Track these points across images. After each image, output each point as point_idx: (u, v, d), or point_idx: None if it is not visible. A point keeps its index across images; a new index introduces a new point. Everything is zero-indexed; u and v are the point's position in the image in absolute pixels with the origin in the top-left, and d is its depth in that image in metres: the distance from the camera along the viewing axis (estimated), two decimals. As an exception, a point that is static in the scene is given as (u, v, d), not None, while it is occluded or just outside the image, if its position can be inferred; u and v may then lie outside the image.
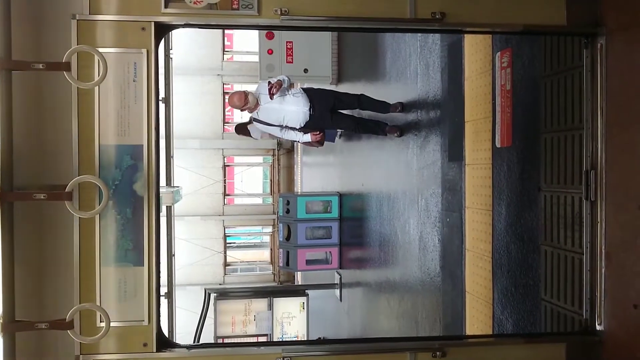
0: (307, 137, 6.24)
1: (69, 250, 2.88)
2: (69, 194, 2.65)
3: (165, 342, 3.03)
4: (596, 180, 3.26)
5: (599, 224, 3.25)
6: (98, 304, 2.86)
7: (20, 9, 2.74)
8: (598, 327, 3.23)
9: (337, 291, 10.89)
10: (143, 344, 2.96)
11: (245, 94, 5.93)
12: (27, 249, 2.82)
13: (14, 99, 2.72)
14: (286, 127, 6.13)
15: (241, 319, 10.76)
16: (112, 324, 2.76)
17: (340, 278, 10.78)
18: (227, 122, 18.56)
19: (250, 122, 6.72)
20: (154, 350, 2.96)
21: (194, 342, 9.01)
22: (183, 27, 3.10)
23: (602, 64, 3.22)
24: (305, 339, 10.45)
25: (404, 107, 6.71)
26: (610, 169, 3.21)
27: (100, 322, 2.85)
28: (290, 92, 6.06)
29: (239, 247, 19.89)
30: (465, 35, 5.09)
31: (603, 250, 3.22)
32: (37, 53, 2.80)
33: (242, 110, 6.11)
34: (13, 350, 2.67)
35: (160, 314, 3.05)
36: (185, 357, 3.02)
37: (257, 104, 5.98)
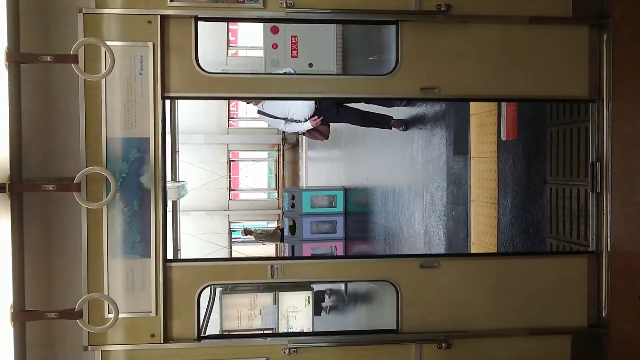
0: (308, 125, 6.27)
1: (77, 242, 2.91)
2: (77, 185, 2.68)
3: (172, 334, 3.07)
4: (602, 172, 3.26)
5: (604, 216, 3.25)
6: (106, 295, 2.90)
7: (28, 3, 2.76)
8: (603, 319, 3.24)
9: (343, 285, 10.90)
10: (150, 334, 3.00)
11: (251, 86, 5.95)
12: (37, 240, 2.85)
13: (23, 92, 2.74)
14: (290, 119, 6.16)
15: (247, 313, 10.79)
16: (120, 315, 2.79)
17: (346, 272, 10.78)
18: (232, 117, 18.56)
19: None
20: (162, 341, 3.00)
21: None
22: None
23: (608, 55, 3.21)
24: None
25: (409, 100, 6.70)
26: (616, 160, 3.20)
27: (109, 313, 2.88)
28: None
29: (244, 242, 19.94)
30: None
31: (609, 242, 3.23)
32: (44, 46, 2.82)
33: (247, 103, 6.13)
34: (23, 340, 2.71)
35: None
36: (192, 349, 3.05)
37: (262, 97, 5.99)
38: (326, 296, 11.21)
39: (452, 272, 3.23)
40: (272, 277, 3.11)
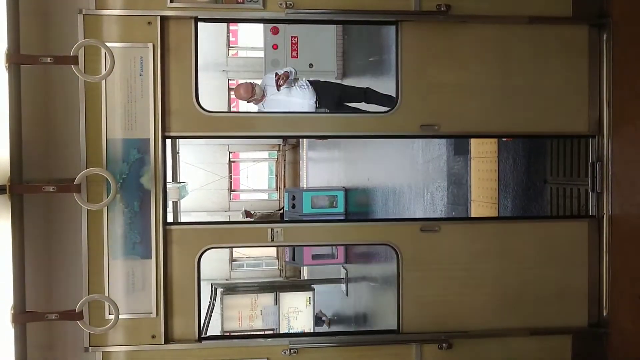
0: None
1: (78, 243, 2.91)
2: (77, 186, 2.68)
3: (173, 334, 3.07)
4: (602, 172, 3.26)
5: (605, 216, 3.25)
6: (107, 296, 2.90)
7: (28, 4, 2.77)
8: (604, 319, 3.24)
9: (343, 286, 10.90)
10: (151, 335, 3.00)
11: (252, 85, 5.95)
12: (37, 241, 2.86)
13: (23, 93, 2.74)
14: (292, 119, 6.15)
15: (248, 314, 10.79)
16: (120, 316, 2.79)
17: (346, 273, 10.79)
18: (233, 118, 18.53)
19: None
20: (162, 342, 3.00)
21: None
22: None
23: (608, 55, 3.22)
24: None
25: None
26: (616, 160, 3.21)
27: (109, 314, 2.89)
28: (296, 84, 6.07)
29: (245, 242, 19.92)
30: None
31: (609, 241, 3.23)
32: (45, 47, 2.82)
33: (248, 102, 6.11)
34: (24, 341, 2.71)
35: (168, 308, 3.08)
36: (193, 350, 3.05)
37: (263, 96, 5.99)
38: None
39: (452, 235, 3.23)
40: (271, 240, 3.11)
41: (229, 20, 3.36)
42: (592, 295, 3.28)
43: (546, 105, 3.23)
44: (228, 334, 10.50)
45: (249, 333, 10.18)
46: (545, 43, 3.23)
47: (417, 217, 6.29)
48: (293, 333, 9.62)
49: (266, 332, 10.69)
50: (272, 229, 3.11)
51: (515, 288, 3.24)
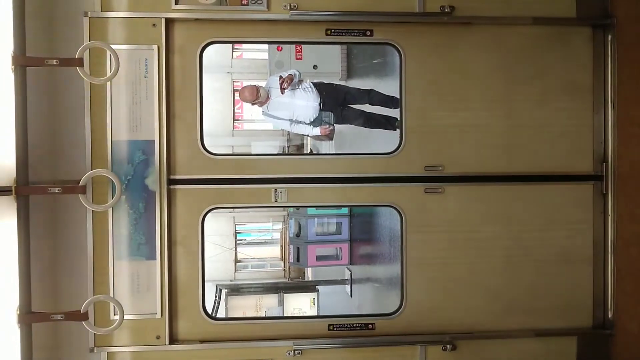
0: (317, 131, 6.25)
1: (83, 244, 2.93)
2: (82, 187, 2.70)
3: (177, 335, 3.08)
4: (607, 173, 3.25)
5: (610, 216, 3.24)
6: (112, 296, 2.91)
7: (33, 7, 2.79)
8: (609, 320, 3.23)
9: (348, 287, 10.90)
10: (156, 336, 3.01)
11: (256, 87, 5.96)
12: (43, 242, 2.88)
13: (29, 95, 2.76)
14: (296, 121, 6.15)
15: (252, 315, 10.80)
16: (125, 317, 2.81)
17: (351, 274, 10.79)
18: (237, 119, 18.59)
19: None
20: (167, 342, 3.01)
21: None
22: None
23: (613, 55, 3.21)
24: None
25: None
26: (621, 161, 3.20)
27: (114, 314, 2.90)
28: (300, 87, 6.08)
29: (249, 243, 19.97)
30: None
31: (614, 243, 3.22)
32: (50, 49, 2.85)
33: (252, 104, 6.13)
34: (30, 341, 2.73)
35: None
36: (197, 350, 3.06)
37: (267, 98, 6.01)
38: None
39: (456, 197, 3.23)
40: (275, 200, 3.12)
41: (235, 42, 3.36)
42: (597, 297, 3.27)
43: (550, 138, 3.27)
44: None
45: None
46: (548, 48, 3.25)
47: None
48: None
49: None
50: (275, 190, 3.13)
51: (518, 251, 3.25)
